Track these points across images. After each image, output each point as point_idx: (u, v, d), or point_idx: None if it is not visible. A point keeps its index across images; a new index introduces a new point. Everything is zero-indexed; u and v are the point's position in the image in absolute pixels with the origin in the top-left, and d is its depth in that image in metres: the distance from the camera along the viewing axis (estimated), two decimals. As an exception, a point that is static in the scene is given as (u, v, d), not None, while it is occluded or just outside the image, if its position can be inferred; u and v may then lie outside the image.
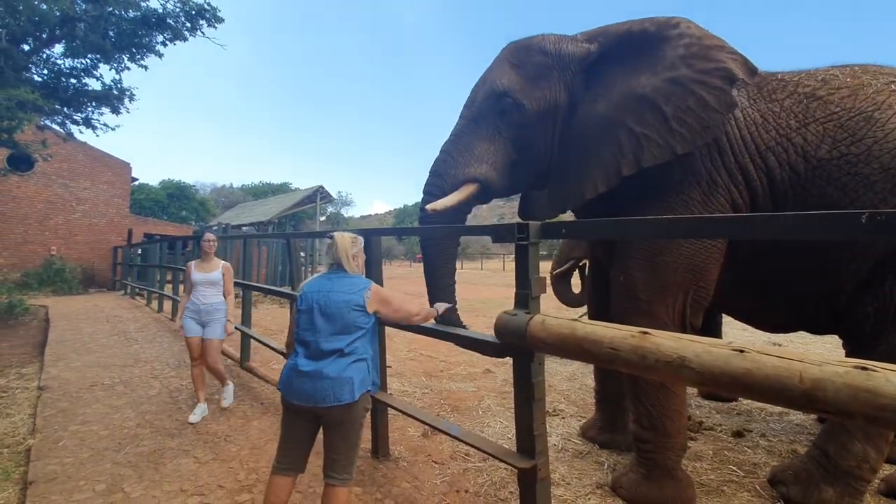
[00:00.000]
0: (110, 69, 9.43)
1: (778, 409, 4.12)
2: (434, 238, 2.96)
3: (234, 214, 27.50)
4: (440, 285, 2.97)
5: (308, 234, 6.70)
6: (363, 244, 2.38)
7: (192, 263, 4.29)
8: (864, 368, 1.10)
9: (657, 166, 2.59)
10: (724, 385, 1.33)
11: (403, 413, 2.91)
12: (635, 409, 2.71)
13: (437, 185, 2.95)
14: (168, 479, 2.94)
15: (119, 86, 9.68)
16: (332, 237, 2.29)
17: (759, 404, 4.20)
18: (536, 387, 2.03)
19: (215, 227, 18.66)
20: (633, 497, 2.66)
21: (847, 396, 1.09)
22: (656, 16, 2.85)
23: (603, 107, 2.77)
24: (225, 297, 4.22)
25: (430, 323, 2.64)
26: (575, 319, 1.83)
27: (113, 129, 10.13)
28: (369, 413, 3.02)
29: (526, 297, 2.04)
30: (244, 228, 21.36)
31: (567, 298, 5.33)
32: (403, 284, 18.76)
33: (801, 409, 1.22)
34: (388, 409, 3.22)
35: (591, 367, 5.07)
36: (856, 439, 2.54)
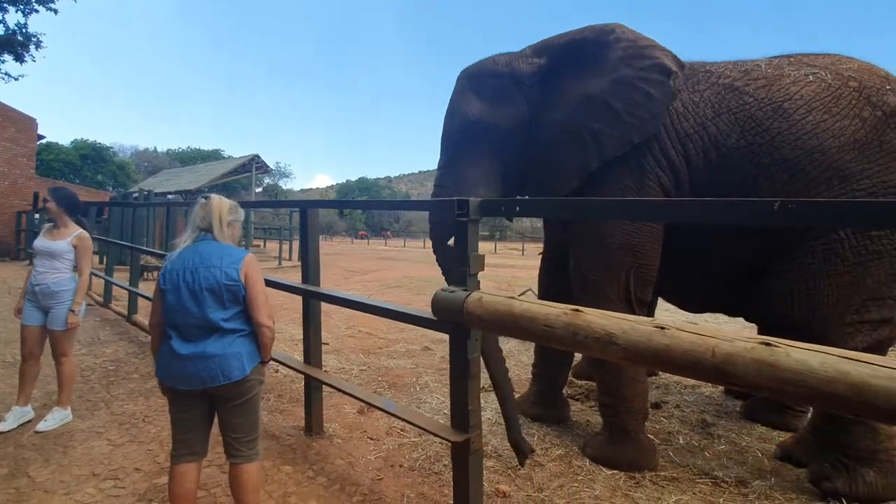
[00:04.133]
0: (16, 11, 8.26)
1: (692, 382, 4.47)
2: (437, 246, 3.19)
3: (157, 181, 25.52)
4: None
5: (243, 203, 6.36)
6: (243, 217, 2.15)
7: (45, 227, 3.41)
8: (768, 344, 1.18)
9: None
10: (647, 360, 1.39)
11: (339, 390, 2.86)
12: (599, 378, 3.01)
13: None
14: (78, 462, 2.73)
15: (24, 31, 8.55)
16: (207, 198, 2.02)
17: (676, 378, 4.54)
18: (472, 363, 2.05)
19: (136, 195, 17.23)
20: (596, 456, 2.92)
21: (753, 371, 1.16)
22: (591, 24, 3.07)
23: (562, 113, 2.99)
24: (79, 277, 3.31)
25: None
26: (512, 297, 1.85)
27: (16, 79, 9.04)
28: (302, 390, 2.90)
29: (464, 274, 2.04)
30: (169, 197, 19.92)
31: None
32: (342, 260, 18.43)
33: (713, 381, 1.31)
34: (323, 386, 3.16)
35: (526, 345, 5.25)
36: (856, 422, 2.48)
